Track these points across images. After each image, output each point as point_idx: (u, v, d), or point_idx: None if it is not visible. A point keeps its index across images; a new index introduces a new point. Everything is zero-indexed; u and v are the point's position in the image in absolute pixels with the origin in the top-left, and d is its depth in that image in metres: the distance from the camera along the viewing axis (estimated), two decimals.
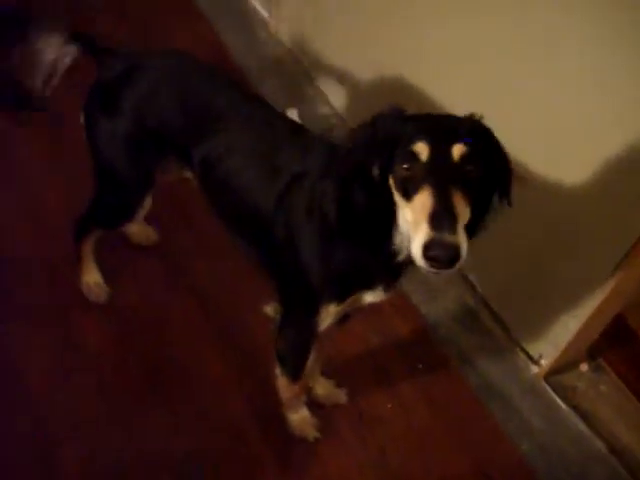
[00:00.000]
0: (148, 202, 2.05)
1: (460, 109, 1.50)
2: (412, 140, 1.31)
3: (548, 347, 2.32)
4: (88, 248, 2.25)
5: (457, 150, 1.30)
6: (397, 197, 1.37)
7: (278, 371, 1.96)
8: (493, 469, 2.17)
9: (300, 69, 3.26)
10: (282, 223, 1.68)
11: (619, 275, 2.02)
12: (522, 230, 2.25)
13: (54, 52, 1.91)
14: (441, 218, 1.23)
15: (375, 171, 1.40)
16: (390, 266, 1.58)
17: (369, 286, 1.67)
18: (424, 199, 1.27)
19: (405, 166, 1.32)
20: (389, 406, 2.25)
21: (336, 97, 3.07)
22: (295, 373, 1.94)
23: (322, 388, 2.23)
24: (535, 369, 2.38)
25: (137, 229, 2.47)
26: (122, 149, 1.89)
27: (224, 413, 2.14)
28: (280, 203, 1.68)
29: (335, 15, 2.96)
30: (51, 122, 2.66)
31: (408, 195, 1.32)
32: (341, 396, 2.23)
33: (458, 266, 1.24)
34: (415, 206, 1.29)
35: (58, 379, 2.12)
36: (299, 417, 2.12)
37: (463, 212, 1.28)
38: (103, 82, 1.90)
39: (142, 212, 2.08)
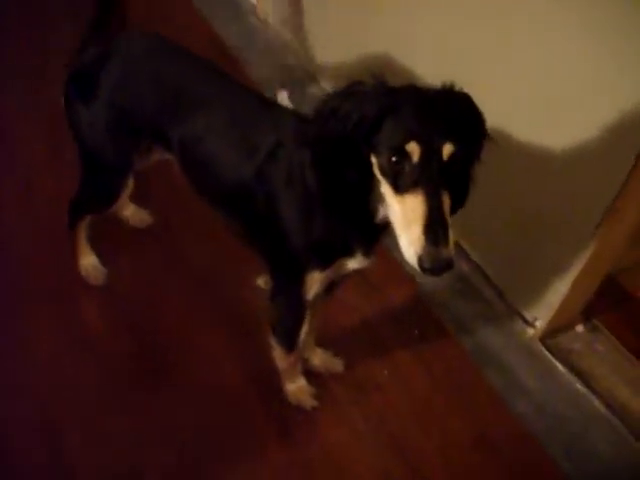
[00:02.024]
0: (130, 184, 2.09)
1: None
2: (403, 136, 1.31)
3: (542, 309, 2.33)
4: (82, 233, 2.29)
5: (446, 150, 1.31)
6: (382, 181, 1.39)
7: (273, 342, 1.99)
8: (492, 432, 2.17)
9: (290, 51, 3.29)
10: (263, 195, 1.70)
11: (598, 238, 2.06)
12: (507, 196, 2.28)
13: None
14: (436, 230, 1.28)
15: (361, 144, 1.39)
16: (367, 229, 1.62)
17: (350, 252, 1.69)
18: (416, 204, 1.30)
19: (394, 159, 1.33)
20: (385, 372, 2.26)
21: (325, 76, 3.09)
22: (290, 343, 1.98)
23: (318, 358, 2.25)
24: (531, 332, 2.39)
25: (131, 212, 2.52)
26: (100, 134, 1.93)
27: (223, 388, 2.17)
28: (259, 176, 1.70)
29: None
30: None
31: (397, 188, 1.34)
32: (338, 365, 2.26)
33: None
34: (406, 206, 1.32)
35: (64, 361, 2.16)
36: (296, 387, 2.15)
37: (449, 212, 1.33)
38: (78, 69, 1.94)
39: (125, 195, 2.12)
